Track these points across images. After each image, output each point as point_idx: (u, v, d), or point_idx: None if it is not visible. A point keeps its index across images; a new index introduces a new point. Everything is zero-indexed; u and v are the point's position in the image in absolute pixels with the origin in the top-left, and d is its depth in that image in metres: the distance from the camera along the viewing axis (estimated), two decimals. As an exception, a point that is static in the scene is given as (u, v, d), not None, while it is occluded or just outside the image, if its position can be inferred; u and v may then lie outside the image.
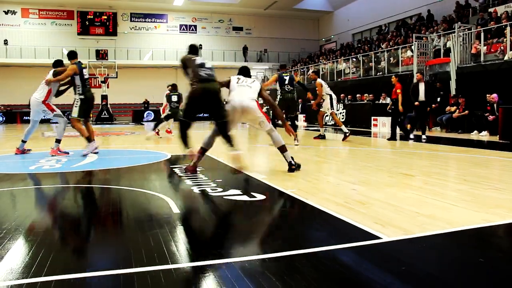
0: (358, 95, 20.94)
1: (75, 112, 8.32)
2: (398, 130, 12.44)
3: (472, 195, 4.65)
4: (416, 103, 12.19)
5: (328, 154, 9.38)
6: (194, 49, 6.50)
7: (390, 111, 12.83)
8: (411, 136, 12.21)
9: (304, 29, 38.05)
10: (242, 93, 6.09)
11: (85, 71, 8.48)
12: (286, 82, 10.74)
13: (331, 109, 12.39)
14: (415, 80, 13.45)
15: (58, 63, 8.82)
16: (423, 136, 11.86)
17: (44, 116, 8.74)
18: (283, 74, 10.93)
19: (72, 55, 8.61)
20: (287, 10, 35.61)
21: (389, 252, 2.96)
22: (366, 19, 31.79)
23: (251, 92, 6.14)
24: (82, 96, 8.31)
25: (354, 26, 33.84)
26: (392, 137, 12.13)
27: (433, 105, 13.60)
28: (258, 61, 36.58)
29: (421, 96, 12.11)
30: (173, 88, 13.26)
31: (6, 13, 32.96)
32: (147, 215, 4.13)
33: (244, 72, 6.62)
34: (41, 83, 8.60)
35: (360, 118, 18.51)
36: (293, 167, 6.18)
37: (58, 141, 8.58)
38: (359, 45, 29.67)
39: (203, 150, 6.11)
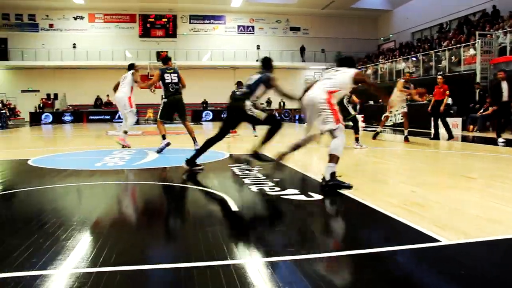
0: (417, 95, 20.44)
1: (159, 114, 8.88)
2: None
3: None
4: (494, 107, 11.38)
5: (386, 155, 9.26)
6: None
7: (430, 111, 12.87)
8: (501, 140, 10.90)
9: (362, 28, 37.45)
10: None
11: (168, 76, 8.67)
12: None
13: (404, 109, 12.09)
14: (490, 78, 13.03)
15: (132, 66, 9.85)
16: (500, 140, 10.88)
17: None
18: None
19: (163, 59, 9.16)
20: (345, 10, 35.20)
21: (448, 255, 2.92)
22: (426, 17, 30.90)
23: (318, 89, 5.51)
24: (165, 100, 8.75)
25: (413, 25, 32.98)
26: (436, 137, 12.34)
27: None
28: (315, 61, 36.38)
29: (505, 95, 11.15)
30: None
31: (75, 18, 34.62)
32: (206, 212, 4.26)
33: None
34: (122, 81, 9.62)
35: (419, 119, 18.06)
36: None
37: (125, 132, 9.57)
38: (418, 44, 28.92)
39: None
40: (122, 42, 34.59)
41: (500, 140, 10.87)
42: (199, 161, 6.43)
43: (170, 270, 2.64)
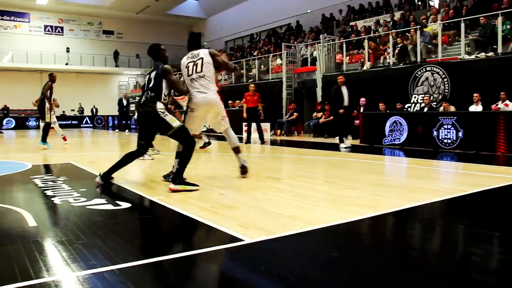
0: (230, 102, 21.27)
1: None
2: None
3: (332, 195, 4.92)
4: (341, 110, 11.39)
5: (198, 160, 9.38)
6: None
7: (246, 117, 13.63)
8: (344, 145, 11.15)
9: (177, 35, 37.78)
10: (203, 88, 5.64)
11: None
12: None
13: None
14: (295, 86, 14.03)
15: None
16: (343, 145, 11.10)
17: None
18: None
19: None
20: (160, 15, 35.19)
21: (250, 253, 3.01)
22: (238, 27, 32.50)
23: (211, 84, 5.72)
24: None
25: (226, 33, 34.40)
26: (248, 141, 13.37)
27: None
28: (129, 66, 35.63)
29: (346, 101, 11.36)
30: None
31: None
32: (-3, 230, 3.76)
33: (194, 42, 5.99)
34: None
35: (231, 124, 18.77)
36: (245, 170, 6.15)
37: None
38: (231, 52, 30.22)
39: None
40: None
41: (343, 145, 11.12)
42: None
43: None
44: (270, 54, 21.94)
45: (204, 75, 5.66)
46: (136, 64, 35.60)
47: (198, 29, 38.23)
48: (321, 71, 17.52)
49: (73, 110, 33.07)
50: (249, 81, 22.44)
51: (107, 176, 5.59)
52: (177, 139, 5.41)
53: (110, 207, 4.35)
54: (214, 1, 34.55)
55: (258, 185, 5.73)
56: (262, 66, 22.13)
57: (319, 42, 18.09)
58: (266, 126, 16.73)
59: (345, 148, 10.94)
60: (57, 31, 34.38)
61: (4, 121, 28.10)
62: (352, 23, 20.60)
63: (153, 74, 5.42)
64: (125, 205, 4.46)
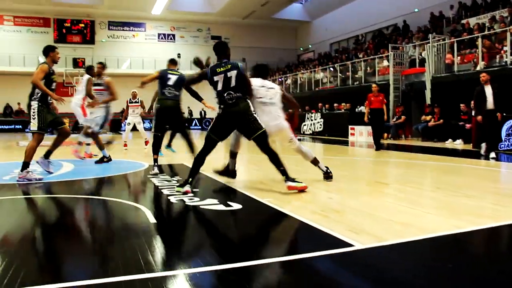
0: (335, 104, 21.18)
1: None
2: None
3: (444, 202, 4.75)
4: (479, 117, 9.80)
5: (306, 163, 9.44)
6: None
7: (368, 121, 12.30)
8: (493, 155, 9.42)
9: (282, 38, 38.25)
10: (274, 114, 5.89)
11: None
12: (170, 83, 7.36)
13: None
14: (402, 88, 13.37)
15: (89, 68, 9.52)
16: (492, 155, 9.35)
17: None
18: (169, 72, 7.54)
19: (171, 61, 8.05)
20: (266, 20, 35.81)
21: (361, 259, 3.00)
22: (343, 29, 32.15)
23: (280, 110, 6.02)
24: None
25: (331, 36, 34.17)
26: (379, 147, 11.76)
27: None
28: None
29: (490, 102, 9.50)
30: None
31: (-20, 19, 32.52)
32: (124, 225, 4.12)
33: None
34: (77, 86, 9.41)
35: (337, 127, 18.69)
36: (330, 174, 6.25)
37: (79, 143, 9.35)
38: (336, 54, 29.98)
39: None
40: (35, 47, 32.73)
41: (492, 155, 9.37)
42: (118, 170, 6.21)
43: (86, 287, 2.51)
44: (376, 56, 21.49)
45: (275, 102, 5.95)
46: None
47: (303, 32, 38.40)
48: (430, 73, 16.83)
49: (183, 113, 34.70)
50: (355, 83, 22.16)
51: (189, 182, 5.39)
52: (259, 142, 5.39)
53: (222, 207, 4.53)
54: (319, 4, 34.49)
55: (367, 190, 5.69)
56: (368, 68, 21.74)
57: (428, 42, 17.38)
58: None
59: (493, 158, 9.28)
60: (169, 38, 36.41)
61: (123, 124, 30.22)
62: (463, 21, 19.53)
63: (232, 73, 5.35)
64: (236, 206, 4.62)
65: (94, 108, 8.85)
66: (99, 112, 8.84)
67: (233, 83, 5.33)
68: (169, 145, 10.20)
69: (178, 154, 9.88)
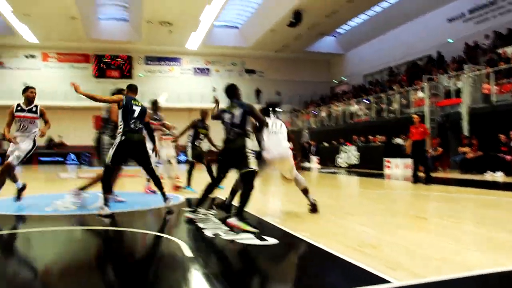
0: (370, 137, 21.02)
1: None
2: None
3: (486, 237, 4.63)
4: None
5: (341, 196, 9.37)
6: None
7: (409, 153, 11.88)
8: None
9: (315, 71, 38.47)
10: (278, 142, 6.28)
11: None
12: (135, 115, 6.68)
13: None
14: (438, 119, 13.11)
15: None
16: None
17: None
18: (133, 102, 6.77)
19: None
20: (299, 53, 36.17)
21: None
22: (376, 61, 32.15)
23: (285, 140, 6.37)
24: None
25: (365, 68, 34.19)
26: (416, 180, 11.32)
27: None
28: (271, 103, 36.91)
29: None
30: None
31: (27, 57, 34.07)
32: (159, 259, 4.16)
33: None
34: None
35: (372, 160, 18.51)
36: (316, 208, 6.32)
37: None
38: (370, 86, 29.90)
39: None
40: (77, 81, 33.91)
41: None
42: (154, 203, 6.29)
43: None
44: (411, 87, 21.33)
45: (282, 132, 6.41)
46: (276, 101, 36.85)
47: (337, 64, 38.56)
48: (466, 103, 16.60)
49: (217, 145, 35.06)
50: (390, 115, 22.00)
51: (196, 206, 5.98)
52: (244, 178, 5.56)
53: (257, 242, 4.52)
54: (351, 36, 34.67)
55: (404, 223, 5.59)
56: (403, 100, 21.58)
57: (464, 73, 17.20)
58: (409, 161, 16.15)
59: None
60: (204, 72, 37.14)
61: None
62: (499, 50, 19.26)
63: (237, 111, 5.73)
64: (271, 240, 4.59)
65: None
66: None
67: (237, 120, 5.70)
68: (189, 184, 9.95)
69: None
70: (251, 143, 5.71)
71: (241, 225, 5.17)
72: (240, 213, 5.34)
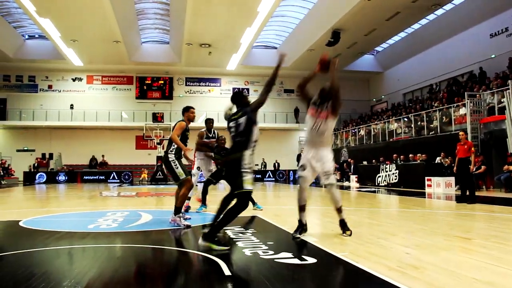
0: (411, 155, 20.65)
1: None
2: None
3: (533, 260, 4.46)
4: None
5: (381, 216, 9.22)
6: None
7: (456, 171, 11.62)
8: None
9: (354, 90, 38.24)
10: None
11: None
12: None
13: None
14: (481, 137, 12.85)
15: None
16: None
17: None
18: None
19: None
20: (338, 72, 36.03)
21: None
22: (416, 78, 31.73)
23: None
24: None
25: (404, 86, 33.78)
26: (465, 199, 10.98)
27: None
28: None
29: None
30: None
31: (74, 80, 35.45)
32: (198, 277, 4.19)
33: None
34: None
35: (413, 179, 18.16)
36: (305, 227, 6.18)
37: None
38: (410, 104, 29.47)
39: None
40: (119, 103, 35.19)
41: None
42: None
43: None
44: (452, 105, 20.91)
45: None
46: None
47: (376, 82, 38.25)
48: (511, 120, 16.12)
49: (257, 165, 35.20)
50: (431, 133, 21.61)
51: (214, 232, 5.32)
52: (239, 196, 5.32)
53: (296, 261, 4.50)
54: (390, 54, 34.38)
55: (447, 244, 5.45)
56: (444, 117, 21.16)
57: (508, 89, 16.75)
58: (451, 180, 15.78)
59: None
60: (243, 92, 37.50)
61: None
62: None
63: (242, 119, 5.60)
64: (311, 260, 4.56)
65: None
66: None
67: (241, 128, 5.56)
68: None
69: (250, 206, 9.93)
70: (250, 158, 5.41)
71: (209, 245, 5.11)
72: (217, 231, 5.22)
